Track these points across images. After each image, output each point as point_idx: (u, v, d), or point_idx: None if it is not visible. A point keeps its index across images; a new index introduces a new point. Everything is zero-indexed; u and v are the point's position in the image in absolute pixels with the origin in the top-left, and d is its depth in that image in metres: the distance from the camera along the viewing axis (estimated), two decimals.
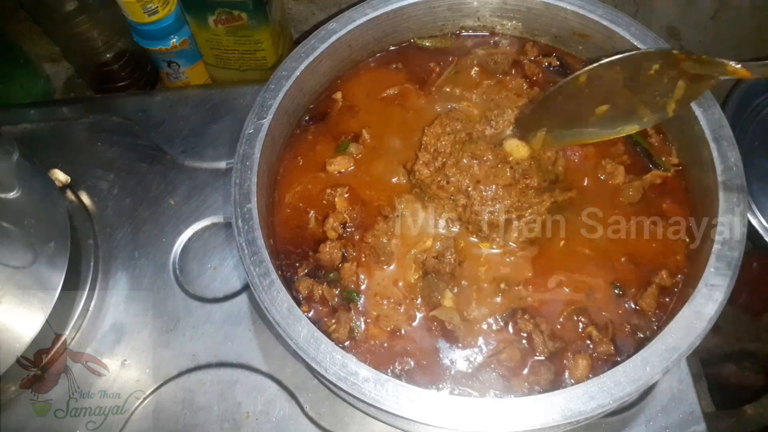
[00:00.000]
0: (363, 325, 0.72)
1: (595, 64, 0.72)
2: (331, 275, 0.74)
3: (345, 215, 0.77)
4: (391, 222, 0.76)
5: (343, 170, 0.81)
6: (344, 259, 0.75)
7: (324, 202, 0.79)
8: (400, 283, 0.74)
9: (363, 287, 0.74)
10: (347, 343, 0.71)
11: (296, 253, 0.76)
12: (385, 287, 0.74)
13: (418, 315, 0.72)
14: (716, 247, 0.66)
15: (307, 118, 0.86)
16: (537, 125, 0.77)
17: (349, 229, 0.77)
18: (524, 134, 0.79)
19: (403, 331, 0.71)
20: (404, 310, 0.72)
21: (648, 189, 0.78)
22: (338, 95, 0.87)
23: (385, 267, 0.75)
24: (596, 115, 0.75)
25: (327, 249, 0.75)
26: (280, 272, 0.69)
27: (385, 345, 0.71)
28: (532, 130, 0.78)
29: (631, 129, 0.75)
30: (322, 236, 0.77)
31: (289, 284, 0.74)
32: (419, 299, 0.73)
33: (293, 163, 0.83)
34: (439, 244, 0.75)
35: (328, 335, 0.67)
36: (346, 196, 0.78)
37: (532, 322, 0.70)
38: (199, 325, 0.89)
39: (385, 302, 0.73)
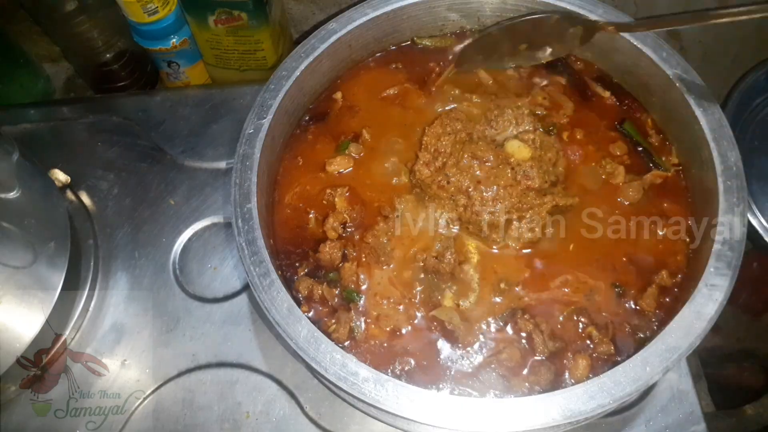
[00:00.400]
0: (363, 325, 0.72)
1: (519, 20, 0.83)
2: (331, 275, 0.74)
3: (345, 215, 0.77)
4: (391, 222, 0.76)
5: (342, 170, 0.81)
6: (344, 259, 0.75)
7: (324, 202, 0.79)
8: (400, 283, 0.74)
9: (363, 287, 0.74)
10: (347, 343, 0.71)
11: (296, 253, 0.76)
12: (385, 287, 0.74)
13: (418, 315, 0.72)
14: (716, 247, 0.66)
15: (307, 118, 0.86)
16: (477, 63, 0.87)
17: (349, 229, 0.77)
18: (467, 68, 0.87)
19: (403, 331, 0.71)
20: (404, 310, 0.72)
21: (648, 188, 0.78)
22: (338, 95, 0.87)
23: (384, 267, 0.75)
24: (519, 50, 0.85)
25: (327, 249, 0.75)
26: (280, 272, 0.69)
27: (385, 345, 0.71)
28: (473, 68, 0.87)
29: (545, 58, 0.85)
30: (322, 236, 0.77)
31: (289, 284, 0.73)
32: (419, 299, 0.73)
33: (293, 162, 0.83)
34: (439, 244, 0.75)
35: (328, 335, 0.67)
36: (346, 196, 0.78)
37: (532, 322, 0.70)
38: (199, 325, 0.89)
39: (384, 302, 0.73)
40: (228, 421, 0.83)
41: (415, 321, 0.72)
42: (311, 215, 0.79)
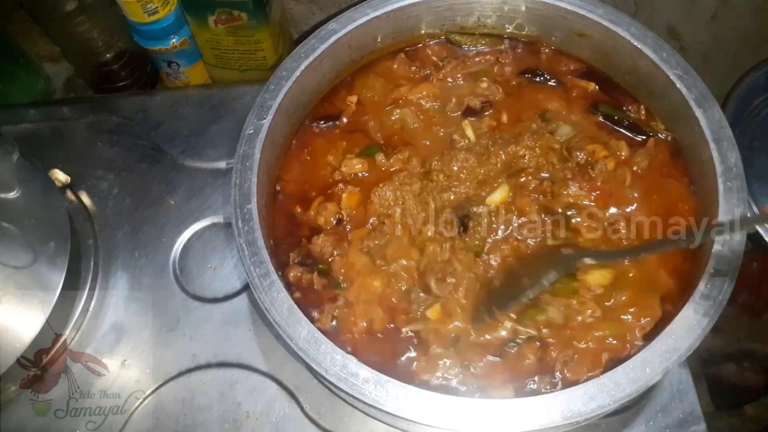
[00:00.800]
0: (346, 319, 0.71)
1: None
2: (321, 266, 0.74)
3: (344, 212, 0.77)
4: (386, 227, 0.76)
5: (358, 173, 0.80)
6: (335, 253, 0.75)
7: (329, 191, 0.79)
8: (387, 289, 0.73)
9: (351, 283, 0.73)
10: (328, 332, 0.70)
11: (291, 239, 0.77)
12: (372, 289, 0.73)
13: (398, 320, 0.72)
14: (716, 247, 0.66)
15: (319, 120, 0.86)
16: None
17: (345, 224, 0.77)
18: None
19: (382, 333, 0.71)
20: (388, 314, 0.72)
21: (654, 157, 0.78)
22: (353, 98, 0.86)
23: (378, 263, 0.74)
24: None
25: (320, 242, 0.75)
26: (275, 260, 0.69)
27: (366, 342, 0.70)
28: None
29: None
30: (317, 226, 0.77)
31: (282, 269, 0.73)
32: (404, 307, 0.72)
33: (300, 152, 0.83)
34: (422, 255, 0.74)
35: (312, 321, 0.67)
36: (356, 196, 0.78)
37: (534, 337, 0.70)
38: (199, 325, 0.89)
39: (369, 301, 0.72)
40: (228, 421, 0.83)
41: (393, 326, 0.71)
42: (313, 204, 0.79)
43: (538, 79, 0.87)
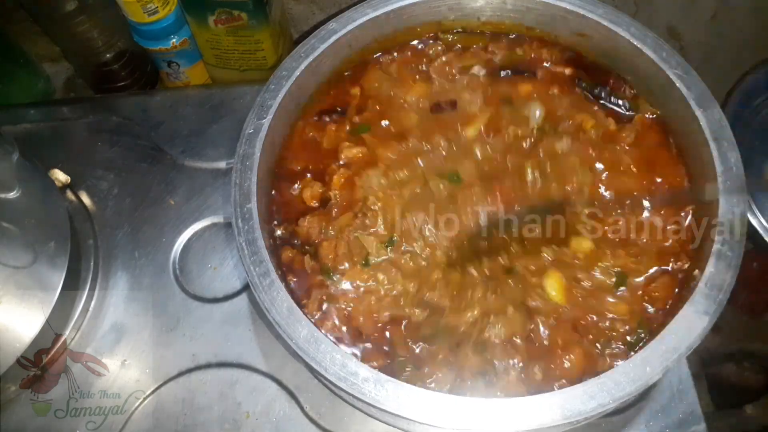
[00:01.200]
0: (334, 306, 0.71)
1: None
2: (308, 248, 0.74)
3: (331, 193, 0.77)
4: (369, 221, 0.75)
5: (353, 157, 0.80)
6: (322, 236, 0.74)
7: (323, 172, 0.79)
8: (381, 278, 0.73)
9: (340, 269, 0.73)
10: (316, 316, 0.70)
11: (285, 218, 0.77)
12: (365, 279, 0.73)
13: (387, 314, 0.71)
14: (716, 247, 0.66)
15: (323, 114, 0.85)
16: None
17: (332, 207, 0.77)
18: None
19: (371, 327, 0.71)
20: (380, 305, 0.71)
21: (641, 134, 0.79)
22: (356, 90, 0.86)
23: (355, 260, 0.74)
24: None
25: (306, 224, 0.75)
26: (274, 258, 0.69)
27: (352, 334, 0.70)
28: None
29: None
30: (304, 206, 0.77)
31: (275, 250, 0.73)
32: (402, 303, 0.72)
33: (305, 137, 0.83)
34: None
35: (301, 307, 0.67)
36: (342, 180, 0.78)
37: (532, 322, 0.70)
38: (199, 325, 0.89)
39: (361, 290, 0.72)
40: (228, 421, 0.83)
41: (384, 322, 0.71)
42: (306, 184, 0.79)
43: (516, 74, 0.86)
